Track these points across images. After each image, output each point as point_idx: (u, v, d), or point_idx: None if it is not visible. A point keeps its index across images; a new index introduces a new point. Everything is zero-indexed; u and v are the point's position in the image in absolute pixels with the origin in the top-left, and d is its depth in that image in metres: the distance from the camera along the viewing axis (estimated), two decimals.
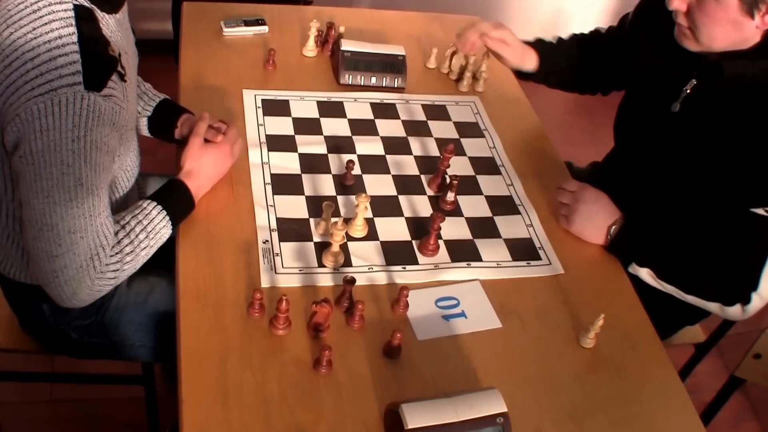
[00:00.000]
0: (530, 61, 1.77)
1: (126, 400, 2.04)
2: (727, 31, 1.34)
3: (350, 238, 1.43)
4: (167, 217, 1.32)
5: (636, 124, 1.66)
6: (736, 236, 1.41)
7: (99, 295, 1.26)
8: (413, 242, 1.47)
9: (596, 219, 1.50)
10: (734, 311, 1.43)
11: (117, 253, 1.25)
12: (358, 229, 1.44)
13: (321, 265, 1.38)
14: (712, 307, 1.46)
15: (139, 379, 1.71)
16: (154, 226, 1.30)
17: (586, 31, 1.89)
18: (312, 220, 1.46)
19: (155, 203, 1.32)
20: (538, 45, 1.79)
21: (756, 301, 1.40)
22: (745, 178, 1.40)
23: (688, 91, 1.49)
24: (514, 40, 1.73)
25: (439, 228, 1.43)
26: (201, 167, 1.41)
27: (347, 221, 1.44)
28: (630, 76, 1.70)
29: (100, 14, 1.14)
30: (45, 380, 2.10)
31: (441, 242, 1.47)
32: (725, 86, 1.42)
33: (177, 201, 1.36)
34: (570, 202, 1.52)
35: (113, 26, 1.19)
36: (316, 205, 1.49)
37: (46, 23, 1.07)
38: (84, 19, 1.10)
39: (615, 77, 1.82)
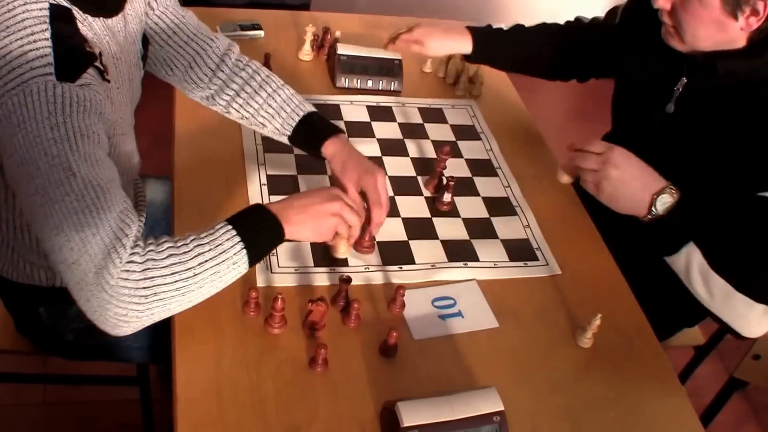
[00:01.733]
0: (464, 46, 1.76)
1: (120, 402, 2.03)
2: (710, 31, 1.33)
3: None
4: (236, 237, 1.09)
5: (630, 127, 1.65)
6: (754, 224, 1.31)
7: (132, 311, 1.04)
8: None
9: (633, 185, 1.31)
10: None
11: (149, 246, 1.05)
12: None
13: (317, 264, 1.38)
14: (755, 314, 1.31)
15: (134, 381, 1.70)
16: (215, 239, 1.08)
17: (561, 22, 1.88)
18: None
19: (225, 222, 1.11)
20: (481, 31, 1.79)
21: None
22: (749, 165, 1.35)
23: (680, 90, 1.47)
24: (430, 34, 1.72)
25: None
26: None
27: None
28: (614, 68, 1.69)
29: (81, 15, 1.13)
30: (38, 381, 2.08)
31: (438, 242, 1.48)
32: (718, 84, 1.41)
33: (254, 222, 1.14)
34: (597, 167, 1.33)
35: (99, 29, 1.17)
36: None
37: (19, 21, 1.06)
38: (59, 18, 1.09)
39: (597, 66, 1.81)
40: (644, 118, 1.57)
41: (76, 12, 1.13)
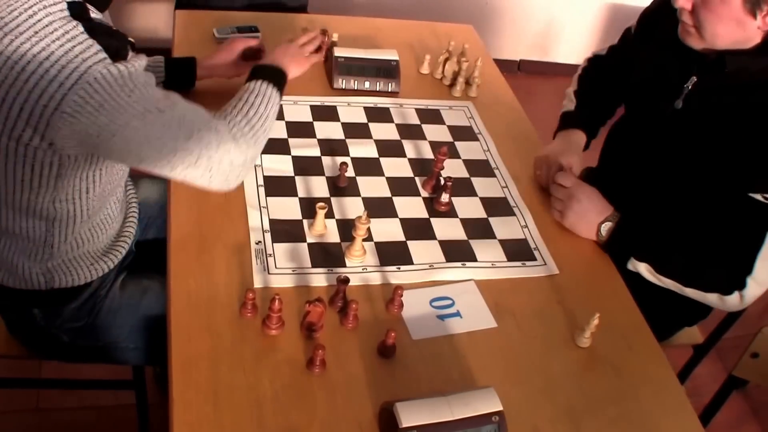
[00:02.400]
0: (582, 141, 1.76)
1: (116, 407, 2.02)
2: (730, 28, 1.38)
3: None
4: (259, 78, 1.43)
5: (638, 123, 1.68)
6: (732, 222, 1.42)
7: (251, 148, 1.34)
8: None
9: (588, 215, 1.52)
10: (733, 300, 1.43)
11: (226, 117, 1.34)
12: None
13: (315, 265, 1.37)
14: (711, 299, 1.45)
15: (130, 384, 1.69)
16: (254, 89, 1.41)
17: (581, 61, 1.92)
18: (305, 222, 1.45)
19: (259, 80, 1.43)
20: (577, 120, 1.78)
21: (752, 287, 1.40)
22: (745, 165, 1.41)
23: (690, 88, 1.51)
24: (575, 161, 1.66)
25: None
26: (295, 62, 1.58)
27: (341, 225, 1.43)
28: (631, 84, 1.72)
29: (91, 9, 1.15)
30: (31, 386, 2.07)
31: (436, 242, 1.47)
32: (726, 82, 1.45)
33: (264, 69, 1.48)
34: (564, 199, 1.53)
35: (104, 20, 1.20)
36: (309, 206, 1.48)
37: (46, 25, 1.08)
38: (79, 12, 1.12)
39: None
40: (653, 112, 1.60)
41: (87, 5, 1.17)
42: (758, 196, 1.39)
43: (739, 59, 1.41)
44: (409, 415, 1.06)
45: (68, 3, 1.12)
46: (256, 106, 1.37)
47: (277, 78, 1.47)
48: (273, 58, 1.53)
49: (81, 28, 1.10)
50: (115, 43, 1.13)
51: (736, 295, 1.42)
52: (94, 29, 1.12)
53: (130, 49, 1.18)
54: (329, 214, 1.47)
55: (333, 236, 1.43)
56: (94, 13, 1.17)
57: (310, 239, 1.42)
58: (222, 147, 1.26)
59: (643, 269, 1.48)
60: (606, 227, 1.50)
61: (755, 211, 1.40)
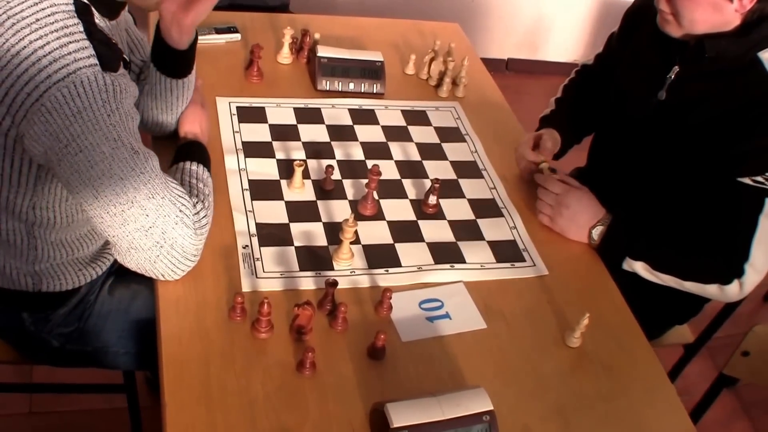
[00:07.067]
0: (557, 135, 1.82)
1: (108, 410, 2.08)
2: (707, 13, 1.46)
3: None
4: (203, 167, 1.44)
5: (623, 119, 1.75)
6: (724, 210, 1.49)
7: (202, 244, 1.35)
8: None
9: (579, 221, 1.59)
10: (732, 289, 1.49)
11: (195, 197, 1.35)
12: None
13: (303, 268, 1.43)
14: (711, 290, 1.52)
15: (122, 388, 1.75)
16: (201, 175, 1.41)
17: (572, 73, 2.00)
18: (292, 225, 1.51)
19: (190, 161, 1.43)
20: (552, 122, 1.86)
21: (750, 274, 1.47)
22: (731, 150, 1.48)
23: (672, 78, 1.59)
24: (551, 145, 1.74)
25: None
26: (203, 130, 1.58)
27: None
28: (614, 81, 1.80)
29: (95, 13, 1.21)
30: (23, 391, 2.12)
31: (424, 245, 1.54)
32: (708, 69, 1.53)
33: (203, 154, 1.50)
34: (553, 204, 1.60)
35: (107, 28, 1.26)
36: (296, 210, 1.55)
37: (49, 15, 1.14)
38: (83, 12, 1.17)
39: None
40: (637, 105, 1.68)
41: (92, 9, 1.22)
42: (747, 180, 1.46)
43: (718, 43, 1.48)
44: (400, 415, 1.12)
45: (75, 1, 1.17)
46: (207, 196, 1.39)
47: (208, 161, 1.51)
48: (194, 133, 1.55)
49: (81, 27, 1.16)
50: (108, 53, 1.18)
51: (735, 284, 1.48)
52: (92, 33, 1.17)
53: (122, 66, 1.22)
54: (316, 217, 1.54)
55: (320, 239, 1.50)
56: (98, 19, 1.22)
57: (297, 242, 1.48)
58: (178, 229, 1.28)
59: (640, 268, 1.54)
60: (597, 232, 1.57)
61: (745, 196, 1.46)
